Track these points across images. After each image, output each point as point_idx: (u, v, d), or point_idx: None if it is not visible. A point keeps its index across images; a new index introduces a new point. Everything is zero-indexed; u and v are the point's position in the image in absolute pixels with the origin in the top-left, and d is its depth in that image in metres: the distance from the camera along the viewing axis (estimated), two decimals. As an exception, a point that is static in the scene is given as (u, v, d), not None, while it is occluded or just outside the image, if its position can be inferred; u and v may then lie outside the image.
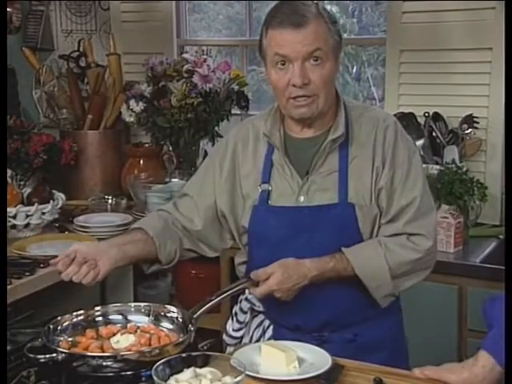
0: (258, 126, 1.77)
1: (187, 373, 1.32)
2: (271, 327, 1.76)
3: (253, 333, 1.79)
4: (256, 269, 1.65)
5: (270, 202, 1.71)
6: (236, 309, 1.83)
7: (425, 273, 1.71)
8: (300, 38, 1.57)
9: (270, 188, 1.71)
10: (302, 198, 1.68)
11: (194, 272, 3.03)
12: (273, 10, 1.64)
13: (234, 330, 1.81)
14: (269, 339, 1.73)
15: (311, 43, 1.57)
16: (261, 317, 1.79)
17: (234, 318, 1.82)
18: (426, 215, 1.69)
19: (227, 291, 1.65)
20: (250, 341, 1.77)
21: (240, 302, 1.81)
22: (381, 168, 1.67)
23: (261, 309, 1.78)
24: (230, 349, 1.79)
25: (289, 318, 1.70)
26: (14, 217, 2.62)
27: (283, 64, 1.60)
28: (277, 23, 1.59)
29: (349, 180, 1.66)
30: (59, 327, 1.54)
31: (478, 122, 2.83)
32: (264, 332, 1.77)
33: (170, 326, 1.58)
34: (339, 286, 1.66)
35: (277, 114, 1.74)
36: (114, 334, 1.54)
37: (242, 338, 1.80)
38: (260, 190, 1.72)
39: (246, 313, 1.79)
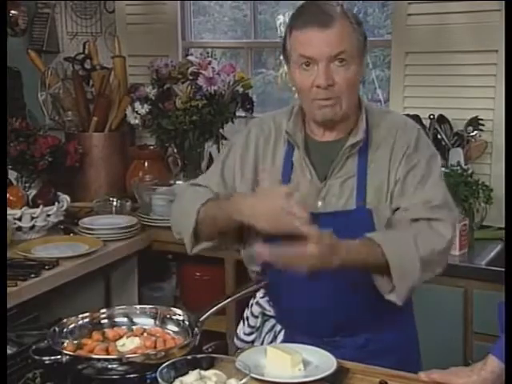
0: (280, 124, 1.73)
1: (192, 375, 1.32)
2: (283, 332, 1.74)
3: (264, 337, 1.77)
4: (270, 272, 1.63)
5: None
6: (247, 313, 1.81)
7: (438, 270, 1.63)
8: (325, 39, 1.54)
9: None
10: (319, 204, 1.65)
11: (198, 274, 3.03)
12: (297, 10, 1.61)
13: (245, 334, 1.80)
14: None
15: (337, 45, 1.54)
16: (272, 321, 1.78)
17: (246, 322, 1.80)
18: (452, 209, 1.66)
19: (234, 295, 1.65)
20: (262, 345, 1.74)
21: (251, 306, 1.80)
22: (397, 166, 1.63)
23: (272, 313, 1.77)
24: (240, 353, 1.78)
25: (301, 322, 1.68)
26: (20, 219, 2.63)
27: (308, 65, 1.57)
28: (301, 23, 1.56)
29: (367, 185, 1.63)
30: (65, 329, 1.55)
31: (483, 125, 2.82)
32: (276, 336, 1.75)
33: (176, 329, 1.58)
34: (352, 290, 1.62)
35: (299, 114, 1.70)
36: (121, 337, 1.54)
37: (253, 342, 1.78)
38: None
39: (257, 317, 1.78)
